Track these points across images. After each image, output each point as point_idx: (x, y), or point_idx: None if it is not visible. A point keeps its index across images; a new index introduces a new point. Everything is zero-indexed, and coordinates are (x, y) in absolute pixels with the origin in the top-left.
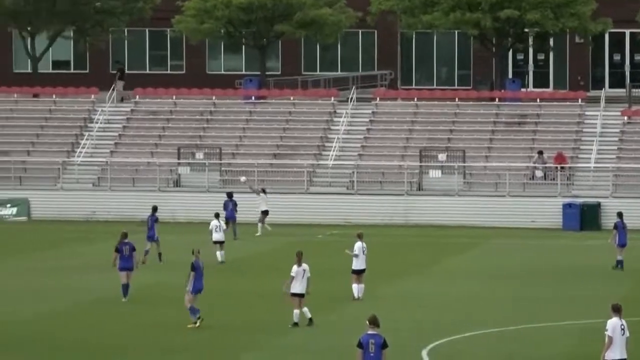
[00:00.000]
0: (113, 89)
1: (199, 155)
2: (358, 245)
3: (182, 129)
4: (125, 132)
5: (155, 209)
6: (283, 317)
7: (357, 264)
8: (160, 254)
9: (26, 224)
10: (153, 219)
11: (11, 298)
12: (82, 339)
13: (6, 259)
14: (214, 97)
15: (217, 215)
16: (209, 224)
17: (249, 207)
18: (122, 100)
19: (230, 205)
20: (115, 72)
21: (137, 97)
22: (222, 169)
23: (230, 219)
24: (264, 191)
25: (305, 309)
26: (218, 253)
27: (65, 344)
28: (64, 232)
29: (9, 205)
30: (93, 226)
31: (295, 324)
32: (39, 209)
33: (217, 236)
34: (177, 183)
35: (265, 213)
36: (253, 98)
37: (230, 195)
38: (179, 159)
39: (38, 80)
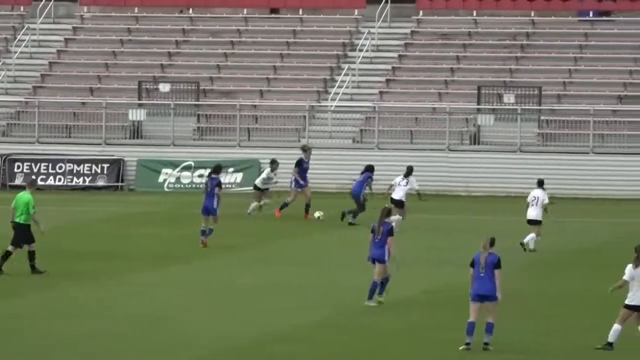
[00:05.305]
0: (387, 1)
1: (509, 98)
2: None
3: (483, 59)
4: (401, 63)
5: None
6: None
7: None
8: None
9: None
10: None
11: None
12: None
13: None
14: (532, 13)
15: (540, 183)
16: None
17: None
18: None
19: None
20: None
21: (421, 13)
22: (542, 117)
23: None
24: None
25: None
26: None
27: None
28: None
29: (231, 170)
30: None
31: (609, 345)
32: None
33: (531, 213)
34: (474, 139)
35: None
36: (591, 14)
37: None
38: (478, 103)
39: None
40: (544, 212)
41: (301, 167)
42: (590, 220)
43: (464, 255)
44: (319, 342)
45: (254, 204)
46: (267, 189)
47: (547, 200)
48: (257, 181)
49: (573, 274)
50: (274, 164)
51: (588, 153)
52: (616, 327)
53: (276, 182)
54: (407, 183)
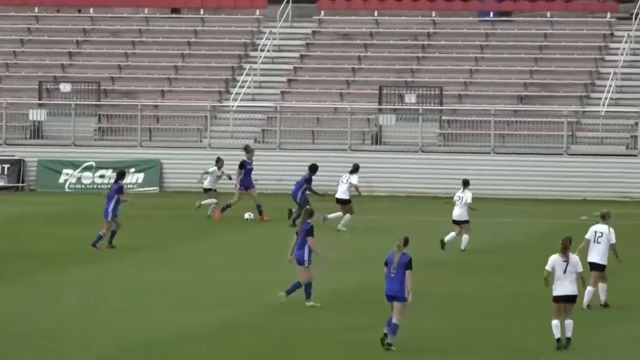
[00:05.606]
0: (288, 1)
1: (410, 98)
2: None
3: (385, 60)
4: (302, 63)
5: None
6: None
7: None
8: None
9: (157, 197)
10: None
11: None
12: None
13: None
14: (433, 14)
15: (464, 183)
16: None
17: None
18: None
19: None
20: None
21: (322, 13)
22: (443, 117)
23: None
24: None
25: (569, 322)
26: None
27: None
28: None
29: (132, 170)
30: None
31: (558, 342)
32: (174, 176)
33: (455, 212)
34: (375, 139)
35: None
36: (491, 14)
37: None
38: (380, 103)
39: None
40: (469, 210)
41: (245, 168)
42: (492, 220)
43: (366, 255)
44: (221, 342)
45: (213, 204)
46: (215, 189)
47: (470, 200)
48: (206, 183)
49: (477, 273)
50: (219, 162)
51: (489, 153)
52: (554, 322)
53: (230, 178)
54: (347, 180)
